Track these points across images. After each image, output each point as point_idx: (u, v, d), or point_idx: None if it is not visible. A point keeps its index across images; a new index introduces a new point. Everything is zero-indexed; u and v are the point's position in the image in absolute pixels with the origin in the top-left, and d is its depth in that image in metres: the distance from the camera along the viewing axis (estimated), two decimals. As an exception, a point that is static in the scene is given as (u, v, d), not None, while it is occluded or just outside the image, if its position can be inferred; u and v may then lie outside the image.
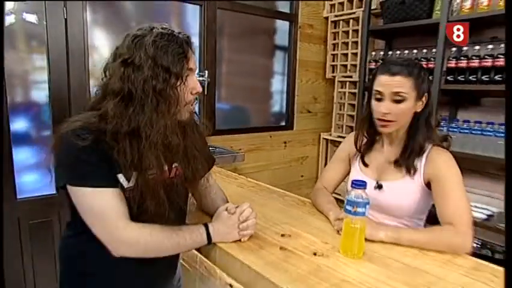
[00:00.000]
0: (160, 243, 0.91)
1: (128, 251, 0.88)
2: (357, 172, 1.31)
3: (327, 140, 3.24)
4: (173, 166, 0.99)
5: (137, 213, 0.90)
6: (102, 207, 0.85)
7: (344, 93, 3.02)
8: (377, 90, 1.16)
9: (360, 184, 0.94)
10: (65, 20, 1.84)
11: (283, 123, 3.12)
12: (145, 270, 0.98)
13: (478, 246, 2.20)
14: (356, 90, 2.82)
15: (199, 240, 0.98)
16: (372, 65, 2.62)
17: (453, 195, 1.09)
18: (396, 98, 1.12)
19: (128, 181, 0.89)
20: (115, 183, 0.88)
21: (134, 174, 0.89)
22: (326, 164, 3.28)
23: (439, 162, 1.14)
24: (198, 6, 2.41)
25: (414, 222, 1.24)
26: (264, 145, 2.91)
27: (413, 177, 1.18)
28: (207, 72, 2.42)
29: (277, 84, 3.05)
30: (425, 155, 1.17)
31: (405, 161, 1.18)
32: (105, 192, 0.86)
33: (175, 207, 0.99)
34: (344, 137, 2.93)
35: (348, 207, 0.93)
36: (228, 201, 1.15)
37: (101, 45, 2.03)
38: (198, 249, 1.11)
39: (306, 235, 1.09)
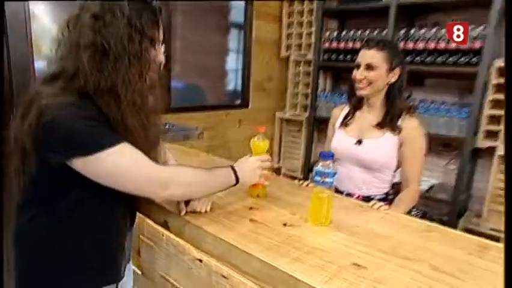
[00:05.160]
0: (203, 180, 0.96)
1: (177, 189, 0.90)
2: (340, 133, 1.52)
3: (281, 119, 3.29)
4: None
5: None
6: (133, 158, 0.83)
7: (299, 72, 3.07)
8: (357, 61, 1.40)
9: (328, 155, 0.97)
10: (0, -18, 1.64)
11: (238, 102, 3.11)
12: (108, 243, 0.94)
13: (419, 216, 2.41)
14: (311, 69, 2.88)
15: (229, 180, 1.00)
16: (326, 45, 2.68)
17: (416, 159, 1.38)
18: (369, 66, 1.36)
19: None
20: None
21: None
22: (280, 143, 3.35)
23: (410, 128, 1.37)
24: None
25: (383, 177, 1.45)
26: (219, 123, 2.89)
27: (394, 136, 1.38)
28: (161, 48, 2.32)
29: (232, 62, 3.01)
30: (400, 120, 1.39)
31: (389, 123, 1.39)
32: (126, 145, 0.83)
33: None
34: (299, 115, 3.03)
35: (317, 178, 0.97)
36: None
37: (42, 13, 1.84)
38: (167, 227, 1.10)
39: (274, 207, 1.12)
